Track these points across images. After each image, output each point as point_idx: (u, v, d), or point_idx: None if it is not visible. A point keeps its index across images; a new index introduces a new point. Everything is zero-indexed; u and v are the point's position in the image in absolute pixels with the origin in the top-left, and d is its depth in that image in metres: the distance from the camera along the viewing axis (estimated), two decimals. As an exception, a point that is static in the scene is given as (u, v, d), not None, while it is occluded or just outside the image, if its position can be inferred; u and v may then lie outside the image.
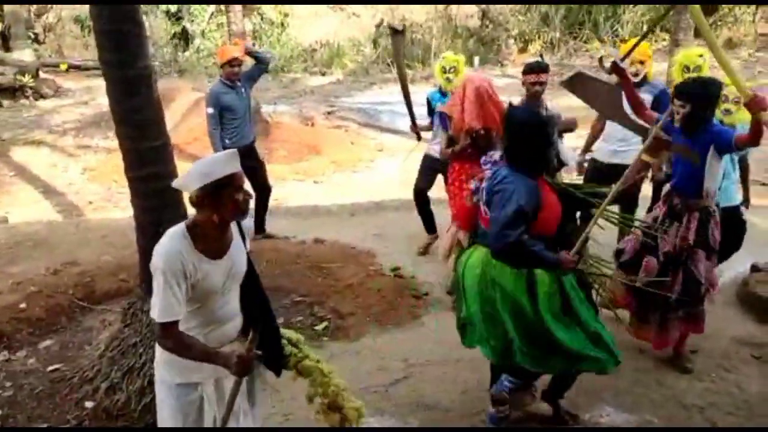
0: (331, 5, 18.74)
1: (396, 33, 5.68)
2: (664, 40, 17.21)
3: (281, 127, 10.11)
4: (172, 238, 2.36)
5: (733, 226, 4.17)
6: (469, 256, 3.19)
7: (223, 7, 12.75)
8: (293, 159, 9.06)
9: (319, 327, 4.62)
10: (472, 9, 18.16)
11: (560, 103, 5.75)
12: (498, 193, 2.93)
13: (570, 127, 5.01)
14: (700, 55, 4.89)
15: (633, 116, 4.20)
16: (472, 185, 3.23)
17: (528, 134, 2.98)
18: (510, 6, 18.02)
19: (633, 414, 3.45)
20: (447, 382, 3.86)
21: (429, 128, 5.67)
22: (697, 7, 3.34)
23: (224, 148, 5.53)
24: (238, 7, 9.50)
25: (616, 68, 4.01)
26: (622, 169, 4.74)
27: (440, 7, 18.00)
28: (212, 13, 17.92)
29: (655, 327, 3.84)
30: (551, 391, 3.43)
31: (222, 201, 2.33)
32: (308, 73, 16.38)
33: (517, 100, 5.48)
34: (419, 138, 5.81)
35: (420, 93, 6.42)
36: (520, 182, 2.92)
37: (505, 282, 3.01)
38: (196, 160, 2.46)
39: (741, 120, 4.05)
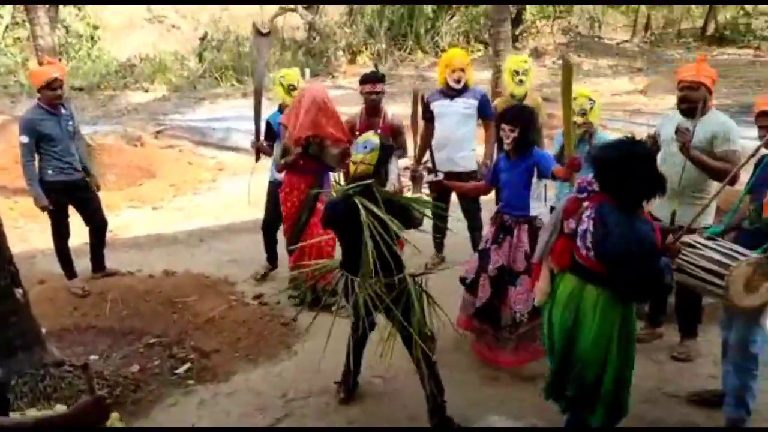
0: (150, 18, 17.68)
1: (260, 35, 5.26)
2: (479, 50, 18.44)
3: (106, 150, 9.27)
4: None
5: None
6: (557, 287, 3.00)
7: (24, 18, 11.42)
8: (125, 184, 8.32)
9: (181, 370, 4.20)
10: (298, 21, 18.10)
11: (398, 111, 5.83)
12: (628, 247, 2.68)
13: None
14: (525, 61, 5.30)
15: None
16: (572, 224, 2.91)
17: (637, 167, 2.76)
18: (336, 18, 18.23)
19: (519, 420, 3.49)
20: (332, 414, 3.67)
21: (270, 152, 5.21)
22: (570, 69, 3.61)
23: (43, 181, 4.88)
24: (45, 19, 8.46)
25: (435, 184, 4.51)
26: (463, 175, 5.06)
27: (266, 19, 17.70)
28: (8, 26, 16.09)
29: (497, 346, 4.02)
30: (434, 406, 3.42)
31: None
32: (128, 89, 15.25)
33: (352, 110, 5.47)
34: (258, 158, 5.33)
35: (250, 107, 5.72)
36: (638, 221, 2.76)
37: (616, 318, 2.87)
38: None
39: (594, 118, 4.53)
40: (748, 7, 19.92)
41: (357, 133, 4.83)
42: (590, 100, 4.73)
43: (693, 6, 20.83)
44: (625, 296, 2.85)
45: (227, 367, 4.19)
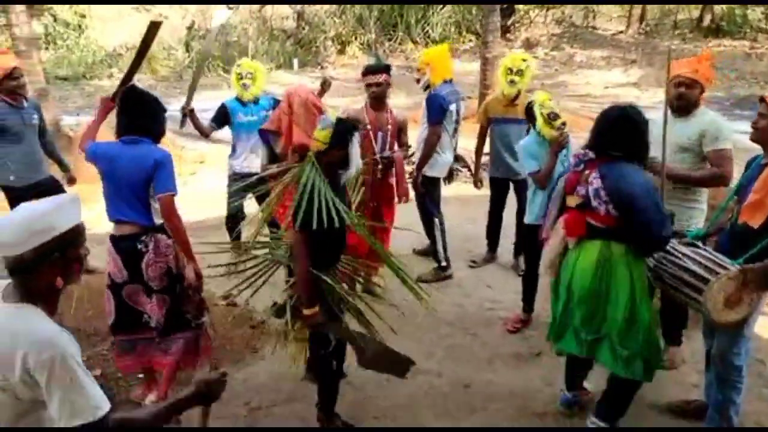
0: (137, 5, 17.36)
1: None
2: (471, 41, 18.20)
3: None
4: (35, 319, 1.76)
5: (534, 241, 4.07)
6: (577, 257, 3.08)
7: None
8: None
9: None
10: (287, 10, 17.85)
11: (398, 103, 5.69)
12: (630, 192, 2.88)
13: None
14: (524, 60, 5.04)
15: None
16: (581, 191, 3.03)
17: (632, 127, 2.96)
18: (325, 8, 17.97)
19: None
20: (295, 423, 3.50)
21: (208, 132, 5.28)
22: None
23: (5, 187, 4.68)
24: (20, 7, 8.22)
25: None
26: None
27: (254, 8, 17.44)
28: (-8, 14, 15.80)
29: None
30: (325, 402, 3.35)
31: (68, 261, 1.82)
32: (114, 79, 15.02)
33: (338, 101, 5.27)
34: (183, 124, 5.35)
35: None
36: (641, 173, 2.97)
37: (639, 273, 3.01)
38: (19, 209, 1.85)
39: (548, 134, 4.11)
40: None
41: (369, 128, 4.66)
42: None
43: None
44: (641, 241, 2.95)
45: (189, 371, 4.02)
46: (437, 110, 4.97)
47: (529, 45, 17.72)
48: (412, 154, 5.90)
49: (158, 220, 3.39)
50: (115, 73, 15.42)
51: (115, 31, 16.97)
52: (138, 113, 3.34)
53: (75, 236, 1.84)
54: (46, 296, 1.82)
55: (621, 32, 20.11)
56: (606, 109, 3.11)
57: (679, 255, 2.93)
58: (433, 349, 4.20)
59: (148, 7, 17.60)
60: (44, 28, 16.31)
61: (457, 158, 8.69)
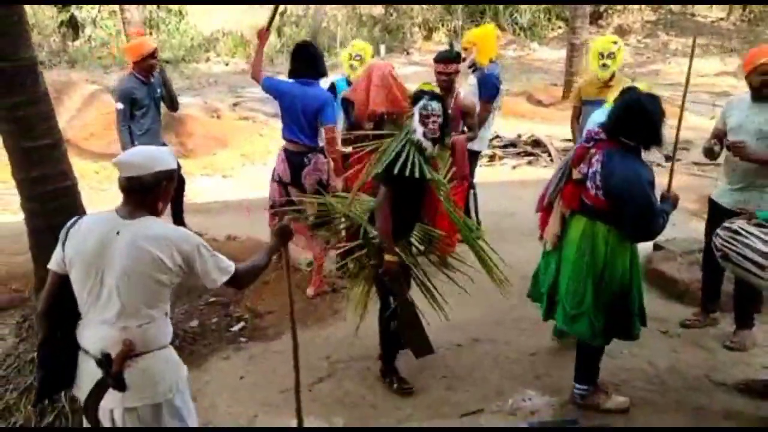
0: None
1: None
2: (560, 27, 17.87)
3: (186, 121, 9.68)
4: (169, 224, 2.39)
5: None
6: (568, 229, 3.27)
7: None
8: (200, 153, 8.72)
9: (236, 328, 4.45)
10: (377, -4, 18.13)
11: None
12: (621, 187, 2.99)
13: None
14: (614, 42, 5.08)
15: None
16: (583, 169, 3.16)
17: (643, 117, 2.99)
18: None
19: (554, 396, 3.51)
20: (371, 378, 3.79)
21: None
22: None
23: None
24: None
25: None
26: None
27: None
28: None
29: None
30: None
31: (167, 192, 2.36)
32: (211, 62, 15.82)
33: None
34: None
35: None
36: (639, 167, 3.02)
37: (620, 255, 3.13)
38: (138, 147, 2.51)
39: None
40: None
41: None
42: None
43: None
44: (628, 232, 3.09)
45: (278, 327, 4.39)
46: (492, 89, 5.33)
47: (621, 32, 17.19)
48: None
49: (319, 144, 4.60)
50: (212, 57, 16.22)
51: (213, 17, 17.78)
52: (309, 61, 4.46)
53: (173, 175, 2.38)
54: (154, 214, 2.34)
55: (721, 19, 19.16)
56: (623, 95, 3.19)
57: (746, 233, 2.99)
58: (501, 319, 4.38)
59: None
60: (148, 14, 17.31)
61: (538, 143, 8.76)
